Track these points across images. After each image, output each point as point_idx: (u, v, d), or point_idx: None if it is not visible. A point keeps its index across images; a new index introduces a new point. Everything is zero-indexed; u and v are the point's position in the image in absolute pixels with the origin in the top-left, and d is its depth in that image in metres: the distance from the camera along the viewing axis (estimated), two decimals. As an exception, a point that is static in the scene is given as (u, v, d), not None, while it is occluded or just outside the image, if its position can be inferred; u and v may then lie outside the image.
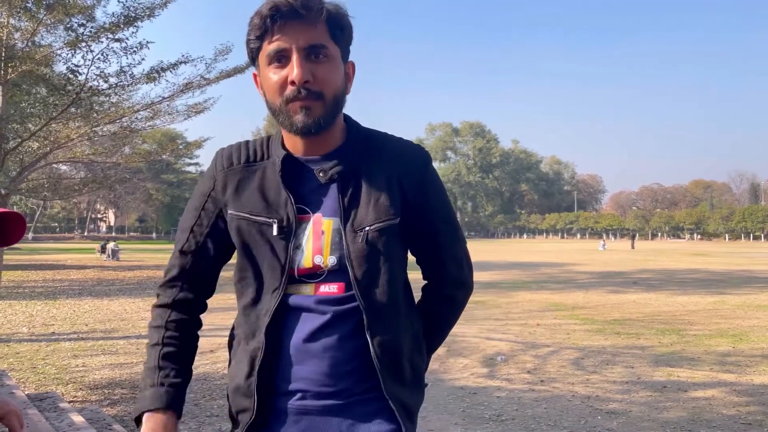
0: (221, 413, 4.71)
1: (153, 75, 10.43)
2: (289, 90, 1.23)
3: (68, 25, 9.70)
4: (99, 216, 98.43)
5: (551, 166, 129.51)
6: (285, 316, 1.29)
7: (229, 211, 1.33)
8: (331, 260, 1.28)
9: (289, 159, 1.32)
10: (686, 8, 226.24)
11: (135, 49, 9.93)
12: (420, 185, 1.35)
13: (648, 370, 6.25)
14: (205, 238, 1.38)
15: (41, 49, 9.78)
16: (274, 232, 1.28)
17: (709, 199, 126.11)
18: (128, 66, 9.99)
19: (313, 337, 1.27)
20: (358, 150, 1.34)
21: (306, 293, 1.29)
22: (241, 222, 1.31)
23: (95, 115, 10.68)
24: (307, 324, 1.28)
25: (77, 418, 4.03)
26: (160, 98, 11.73)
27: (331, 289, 1.29)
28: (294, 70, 1.22)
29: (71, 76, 9.71)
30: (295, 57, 1.23)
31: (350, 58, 1.35)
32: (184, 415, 4.65)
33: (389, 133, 1.42)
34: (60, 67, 10.70)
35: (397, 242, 1.33)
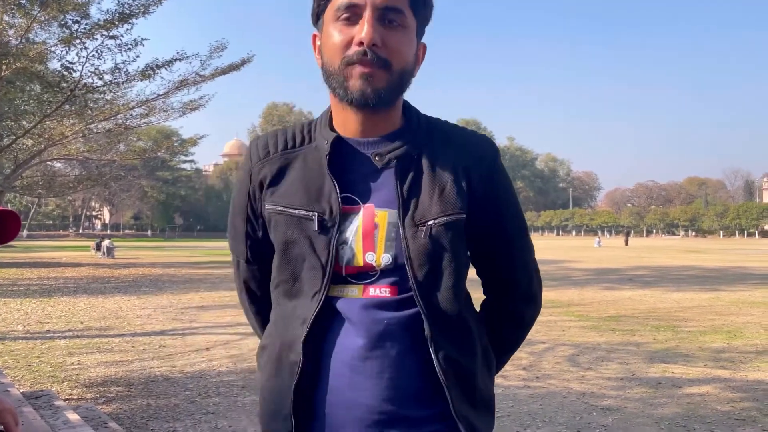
0: (217, 411, 4.71)
1: (148, 72, 10.45)
2: (354, 50, 1.08)
3: (62, 22, 9.70)
4: (94, 213, 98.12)
5: (547, 163, 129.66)
6: (327, 324, 1.11)
7: (267, 206, 1.18)
8: (385, 258, 1.11)
9: (337, 141, 1.15)
10: (680, 5, 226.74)
11: (129, 46, 9.96)
12: (489, 180, 1.19)
13: (643, 367, 6.27)
14: (265, 241, 1.22)
15: (35, 46, 9.77)
16: (314, 227, 1.11)
17: (704, 196, 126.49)
18: (123, 63, 10.03)
19: (365, 351, 1.08)
20: (419, 135, 1.17)
21: (352, 296, 1.11)
22: (279, 217, 1.15)
23: (90, 112, 10.68)
24: (356, 334, 1.09)
25: (73, 416, 4.02)
26: (155, 95, 11.76)
27: (382, 292, 1.10)
28: (364, 29, 1.06)
29: (65, 73, 9.72)
30: (367, 15, 1.07)
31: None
32: (179, 413, 4.65)
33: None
34: (54, 64, 10.70)
35: (463, 242, 1.16)
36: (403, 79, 1.13)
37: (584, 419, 4.52)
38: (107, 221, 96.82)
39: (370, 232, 1.12)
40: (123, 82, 10.11)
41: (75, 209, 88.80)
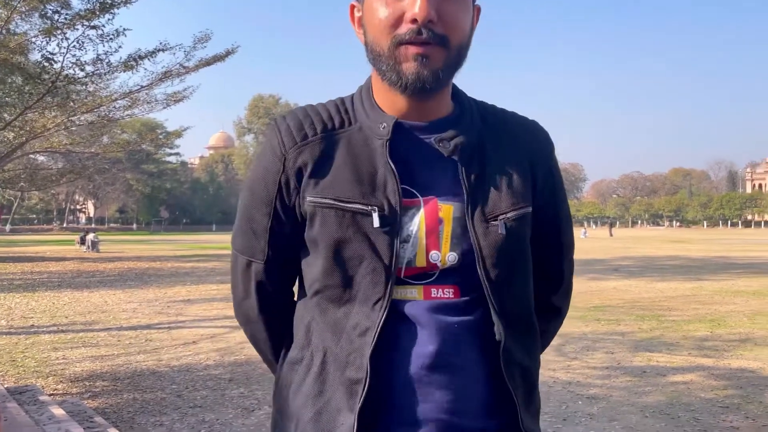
0: (204, 404, 4.69)
1: (130, 63, 10.33)
2: (406, 29, 0.94)
3: (43, 12, 9.54)
4: (78, 207, 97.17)
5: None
6: (392, 333, 0.97)
7: (308, 198, 1.01)
8: (451, 257, 0.99)
9: (396, 125, 1.01)
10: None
11: (111, 36, 9.82)
12: (549, 173, 1.10)
13: (628, 356, 6.33)
14: (291, 242, 1.06)
15: (16, 37, 9.62)
16: (375, 224, 0.96)
17: (688, 186, 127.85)
18: (105, 54, 9.90)
19: (436, 359, 0.97)
20: (475, 120, 1.06)
21: (413, 298, 0.99)
22: (327, 212, 0.99)
23: (72, 104, 10.53)
24: (427, 342, 0.97)
25: (57, 411, 3.99)
26: (139, 87, 11.63)
27: (446, 293, 0.99)
28: (417, 4, 0.92)
29: (46, 64, 9.57)
30: None
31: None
32: (166, 407, 4.63)
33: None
34: (35, 56, 10.53)
35: (529, 237, 1.06)
36: (461, 55, 1.00)
37: (570, 408, 4.56)
38: (92, 215, 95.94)
39: (434, 229, 0.99)
40: (105, 74, 9.99)
41: (59, 203, 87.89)
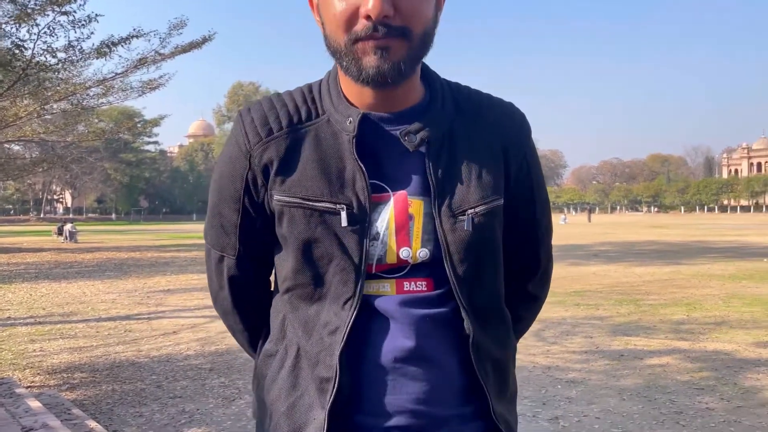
0: (184, 394, 4.66)
1: (103, 50, 10.12)
2: (361, 26, 0.89)
3: (12, -2, 9.31)
4: (55, 197, 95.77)
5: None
6: (363, 328, 0.97)
7: (276, 197, 0.98)
8: (422, 253, 0.97)
9: (363, 119, 0.98)
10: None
11: (83, 22, 9.61)
12: (524, 159, 1.07)
13: (606, 340, 6.42)
14: (262, 237, 1.05)
15: (-15, 23, 9.37)
16: (343, 223, 0.95)
17: (666, 172, 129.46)
18: (77, 40, 9.69)
19: (410, 352, 0.96)
20: (447, 108, 1.02)
21: (385, 292, 0.98)
22: (295, 211, 0.97)
23: (45, 92, 10.31)
24: (400, 335, 0.97)
25: (34, 404, 3.94)
26: (113, 74, 11.40)
27: (418, 286, 0.98)
28: (370, 0, 0.87)
29: (17, 51, 9.34)
30: None
31: None
32: (146, 397, 4.59)
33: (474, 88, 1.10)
34: (5, 43, 10.27)
35: (500, 228, 1.04)
36: (425, 42, 0.94)
37: (549, 392, 4.61)
38: (69, 205, 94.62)
39: (404, 225, 0.97)
40: (78, 61, 9.78)
41: (36, 193, 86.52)
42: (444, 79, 1.07)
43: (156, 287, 11.71)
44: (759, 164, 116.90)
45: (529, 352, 5.89)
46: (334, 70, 1.03)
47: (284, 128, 0.99)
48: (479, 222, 0.98)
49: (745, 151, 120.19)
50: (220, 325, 7.32)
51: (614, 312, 8.15)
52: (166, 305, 9.40)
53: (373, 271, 0.98)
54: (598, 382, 4.88)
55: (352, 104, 0.99)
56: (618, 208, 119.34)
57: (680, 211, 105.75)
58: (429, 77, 1.05)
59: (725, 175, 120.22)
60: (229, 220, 1.05)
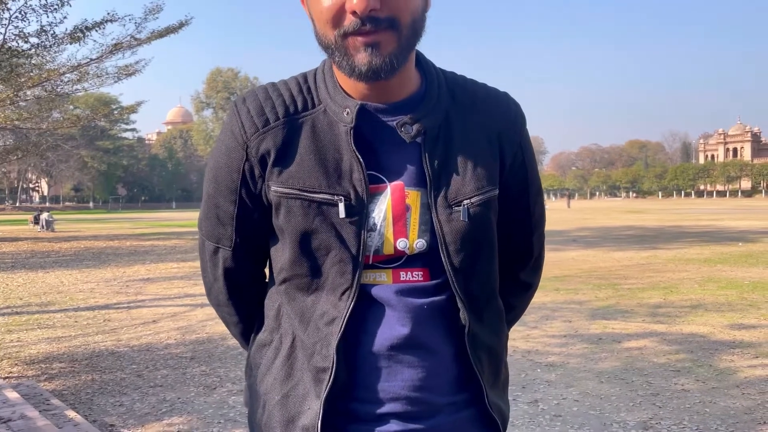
0: (165, 383, 4.64)
1: (77, 35, 9.91)
2: (349, 21, 0.89)
3: (-17, -19, 9.06)
4: (31, 186, 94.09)
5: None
6: (361, 317, 0.98)
7: (272, 188, 0.98)
8: (418, 244, 0.98)
9: (360, 110, 0.97)
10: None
11: (55, 6, 9.39)
12: (519, 149, 1.07)
13: (585, 324, 6.50)
14: (258, 228, 1.04)
15: (-46, 7, 9.12)
16: (341, 214, 0.95)
17: (644, 158, 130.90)
18: (49, 25, 9.46)
19: (407, 339, 0.97)
20: (442, 97, 1.02)
21: (381, 282, 0.99)
22: (292, 202, 0.96)
23: (18, 78, 10.08)
24: (391, 322, 0.97)
25: (12, 395, 3.89)
26: (88, 60, 11.17)
27: (414, 276, 0.99)
28: None
29: (-12, 36, 9.11)
30: None
31: None
32: (126, 387, 4.56)
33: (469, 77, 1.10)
34: (-24, 27, 10.02)
35: (495, 218, 1.04)
36: (416, 30, 0.94)
37: (529, 376, 4.66)
38: (46, 193, 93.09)
39: (401, 216, 0.98)
40: (51, 46, 9.55)
41: (11, 181, 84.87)
42: (439, 68, 1.06)
43: (135, 276, 11.60)
44: (735, 150, 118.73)
45: (510, 336, 5.94)
46: (329, 61, 1.02)
47: (281, 118, 0.98)
48: (475, 212, 0.99)
49: (722, 136, 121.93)
50: (200, 314, 7.29)
51: (593, 296, 8.26)
52: (146, 294, 9.32)
53: (370, 262, 0.98)
54: (576, 365, 4.95)
55: (348, 95, 0.99)
56: (597, 193, 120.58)
57: (658, 196, 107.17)
58: (424, 66, 1.04)
59: (702, 161, 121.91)
60: (226, 211, 1.04)
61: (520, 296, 1.23)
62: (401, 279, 0.99)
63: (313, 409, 0.97)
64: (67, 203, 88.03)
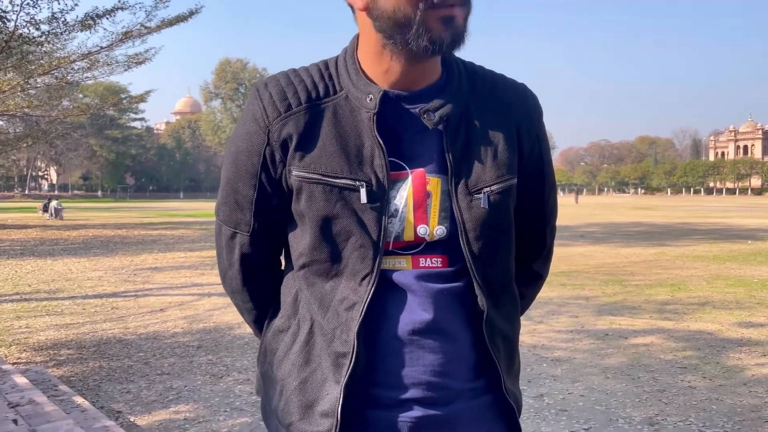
0: (172, 371, 4.66)
1: (88, 22, 9.92)
2: None
3: (-6, -32, 9.07)
4: (40, 174, 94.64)
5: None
6: (381, 303, 0.98)
7: (294, 173, 0.98)
8: (439, 231, 0.99)
9: (384, 97, 0.98)
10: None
11: (66, -7, 9.38)
12: (536, 140, 1.08)
13: (591, 320, 6.49)
14: (277, 213, 1.04)
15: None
16: (363, 200, 0.95)
17: (654, 154, 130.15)
18: (60, 12, 9.48)
19: (428, 324, 0.98)
20: (463, 86, 1.02)
21: (400, 267, 0.99)
22: (314, 187, 0.96)
23: (28, 65, 10.11)
24: (412, 307, 0.98)
25: (20, 380, 3.92)
26: (98, 48, 11.19)
27: (433, 263, 0.99)
28: None
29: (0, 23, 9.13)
30: None
31: None
32: (133, 374, 4.59)
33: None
34: (-13, 14, 10.05)
35: (512, 208, 1.05)
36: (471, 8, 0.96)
37: (535, 370, 4.66)
38: (54, 182, 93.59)
39: (422, 202, 0.98)
40: (62, 33, 9.56)
41: (20, 169, 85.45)
42: (458, 58, 1.06)
43: (143, 265, 11.65)
44: (745, 147, 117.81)
45: (516, 331, 5.95)
46: (351, 47, 1.03)
47: (303, 104, 0.98)
48: (495, 200, 0.99)
49: (732, 134, 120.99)
50: (208, 303, 7.32)
51: (600, 292, 8.23)
52: (153, 283, 9.36)
53: (390, 248, 0.99)
54: (582, 360, 4.94)
55: (371, 81, 0.99)
56: (605, 189, 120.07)
57: (667, 193, 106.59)
58: (445, 56, 1.04)
59: (712, 158, 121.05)
60: (245, 195, 1.04)
61: (531, 286, 1.23)
62: (420, 265, 0.99)
63: (332, 395, 0.97)
64: (75, 192, 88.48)
